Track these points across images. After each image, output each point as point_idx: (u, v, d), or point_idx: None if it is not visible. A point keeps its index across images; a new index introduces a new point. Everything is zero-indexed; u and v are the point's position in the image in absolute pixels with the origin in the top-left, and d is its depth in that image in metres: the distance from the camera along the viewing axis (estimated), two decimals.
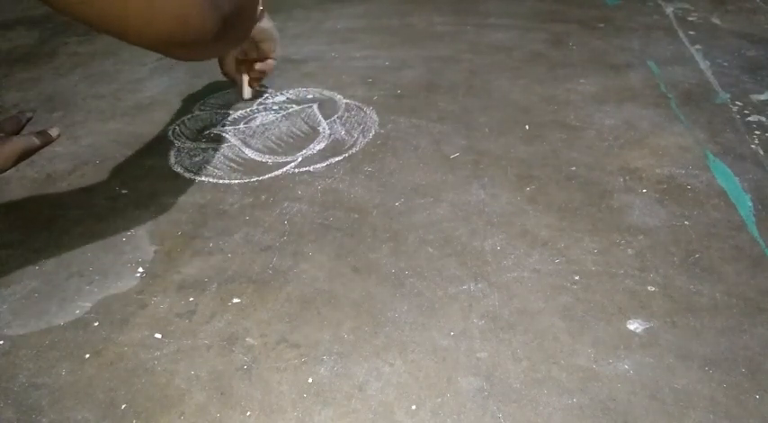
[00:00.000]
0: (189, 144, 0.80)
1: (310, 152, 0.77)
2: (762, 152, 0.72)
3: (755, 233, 0.60)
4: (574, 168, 0.71)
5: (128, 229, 0.64)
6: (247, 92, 0.87)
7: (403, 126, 0.81)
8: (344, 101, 0.88)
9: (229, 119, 0.85)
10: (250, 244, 0.61)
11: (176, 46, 0.39)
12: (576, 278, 0.55)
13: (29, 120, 0.87)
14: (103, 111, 0.90)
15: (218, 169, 0.74)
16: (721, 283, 0.54)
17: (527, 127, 0.80)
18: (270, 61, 0.82)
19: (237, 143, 0.79)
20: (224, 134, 0.81)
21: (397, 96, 0.89)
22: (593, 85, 0.90)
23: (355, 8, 1.26)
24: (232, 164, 0.75)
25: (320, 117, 0.84)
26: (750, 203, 0.64)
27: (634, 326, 0.50)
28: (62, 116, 0.89)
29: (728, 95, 0.85)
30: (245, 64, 0.84)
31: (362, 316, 0.52)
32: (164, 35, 0.37)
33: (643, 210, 0.63)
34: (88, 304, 0.55)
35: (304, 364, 0.48)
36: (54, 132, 0.82)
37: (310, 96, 0.91)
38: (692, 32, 1.07)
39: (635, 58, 0.98)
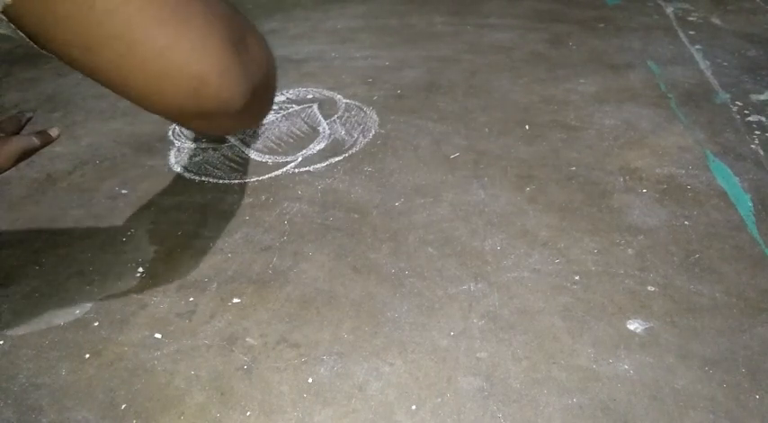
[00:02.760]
0: (189, 144, 0.80)
1: (310, 152, 0.76)
2: (762, 152, 0.72)
3: (755, 233, 0.60)
4: (574, 168, 0.71)
5: (128, 229, 0.64)
6: None
7: (403, 126, 0.81)
8: (344, 101, 0.88)
9: None
10: (250, 244, 0.61)
11: (195, 116, 0.33)
12: (576, 278, 0.55)
13: (29, 120, 0.87)
14: (103, 111, 0.90)
15: (218, 169, 0.74)
16: (721, 283, 0.54)
17: (527, 127, 0.80)
18: None
19: (237, 143, 0.79)
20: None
21: (397, 96, 0.89)
22: (593, 85, 0.90)
23: (355, 8, 1.26)
24: (232, 164, 0.75)
25: (320, 117, 0.84)
26: (750, 203, 0.64)
27: (634, 326, 0.50)
28: (62, 116, 0.89)
29: (728, 95, 0.85)
30: None
31: (362, 316, 0.52)
32: (175, 101, 0.31)
33: (643, 210, 0.63)
34: (88, 304, 0.55)
35: (304, 364, 0.48)
36: (54, 132, 0.82)
37: (310, 96, 0.90)
38: (692, 32, 1.07)
39: (635, 58, 0.98)
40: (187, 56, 0.30)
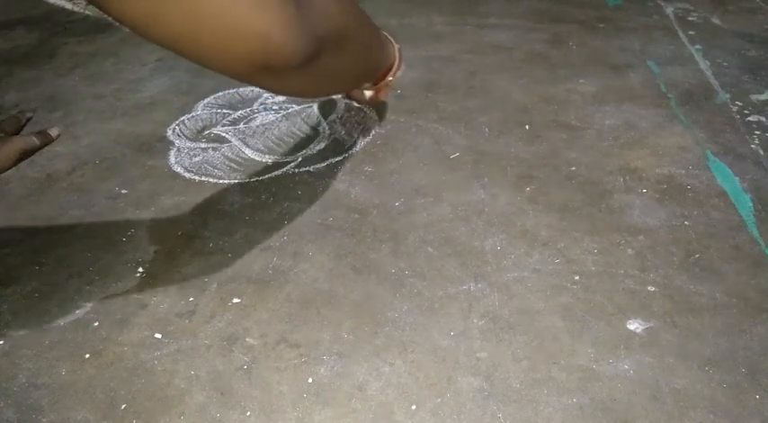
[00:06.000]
0: (189, 144, 0.80)
1: (310, 152, 0.76)
2: (762, 152, 0.72)
3: (755, 233, 0.60)
4: (574, 168, 0.71)
5: (128, 229, 0.64)
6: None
7: (403, 126, 0.81)
8: (344, 101, 0.88)
9: (229, 119, 0.85)
10: (250, 244, 0.61)
11: (261, 71, 0.34)
12: (576, 278, 0.55)
13: (29, 120, 0.87)
14: (103, 111, 0.90)
15: (218, 169, 0.74)
16: (721, 283, 0.54)
17: (527, 127, 0.80)
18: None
19: (237, 143, 0.79)
20: (224, 134, 0.81)
21: (397, 96, 0.89)
22: (593, 85, 0.90)
23: None
24: (232, 164, 0.75)
25: (320, 117, 0.84)
26: (750, 203, 0.64)
27: (634, 326, 0.50)
28: (62, 116, 0.89)
29: (728, 95, 0.85)
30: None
31: (362, 316, 0.52)
32: (242, 57, 0.32)
33: (643, 210, 0.63)
34: (88, 304, 0.55)
35: (304, 364, 0.48)
36: (54, 132, 0.81)
37: None
38: (692, 32, 1.07)
39: (635, 58, 0.98)
40: (249, 11, 0.31)
